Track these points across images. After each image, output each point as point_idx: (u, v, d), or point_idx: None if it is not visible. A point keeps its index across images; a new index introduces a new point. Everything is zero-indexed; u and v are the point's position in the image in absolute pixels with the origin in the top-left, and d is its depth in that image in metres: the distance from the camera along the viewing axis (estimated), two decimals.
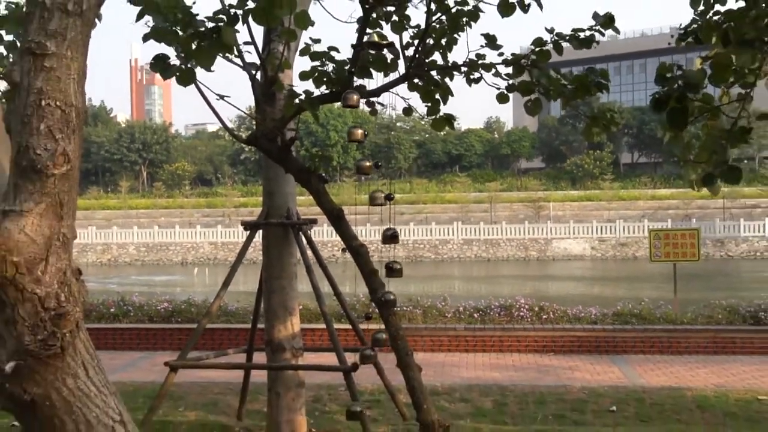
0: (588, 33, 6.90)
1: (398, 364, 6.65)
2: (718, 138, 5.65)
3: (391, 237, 6.52)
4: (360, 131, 6.55)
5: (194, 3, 6.20)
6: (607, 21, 6.75)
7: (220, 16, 6.12)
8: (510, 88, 7.14)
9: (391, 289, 6.56)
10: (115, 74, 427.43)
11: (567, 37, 6.92)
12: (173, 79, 6.38)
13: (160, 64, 6.28)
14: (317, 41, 7.15)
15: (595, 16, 6.78)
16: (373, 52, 6.90)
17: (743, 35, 5.32)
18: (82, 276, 3.34)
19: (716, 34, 5.63)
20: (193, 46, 6.09)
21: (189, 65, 6.38)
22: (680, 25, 6.57)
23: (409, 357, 6.62)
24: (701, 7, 6.15)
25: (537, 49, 7.02)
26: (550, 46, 6.96)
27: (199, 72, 6.43)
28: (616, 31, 6.69)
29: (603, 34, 6.94)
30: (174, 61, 6.39)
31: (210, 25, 6.10)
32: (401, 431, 10.36)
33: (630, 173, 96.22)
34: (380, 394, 12.20)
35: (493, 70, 7.09)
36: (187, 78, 6.41)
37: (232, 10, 6.16)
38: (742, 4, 5.70)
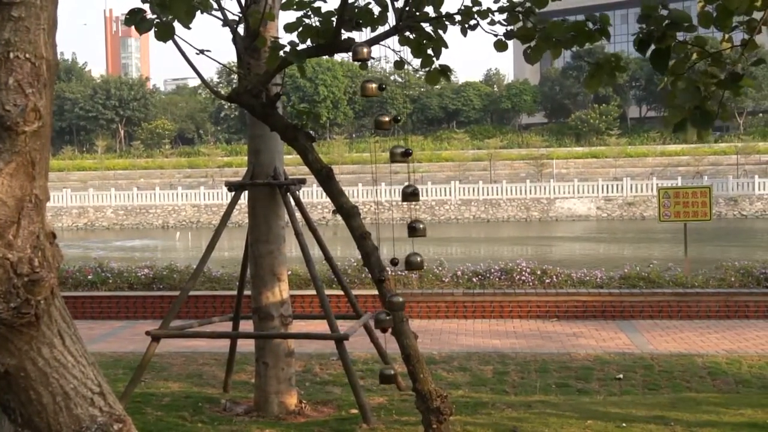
0: None
1: (393, 331, 6.68)
2: (697, 82, 5.63)
3: (411, 194, 6.52)
4: (374, 86, 6.44)
5: None
6: None
7: None
8: (508, 35, 7.03)
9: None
10: (88, 25, 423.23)
11: None
12: (151, 31, 6.35)
13: (135, 17, 6.24)
14: None
15: None
16: (360, 3, 6.83)
17: None
18: (57, 240, 3.34)
19: None
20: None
21: (166, 19, 6.32)
22: None
23: (404, 324, 6.65)
24: None
25: None
26: None
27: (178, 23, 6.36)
28: None
29: None
30: (151, 14, 6.34)
31: None
32: (397, 402, 10.43)
33: (638, 128, 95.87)
34: (374, 363, 12.27)
35: (490, 18, 6.98)
36: (165, 33, 6.36)
37: None
38: None
